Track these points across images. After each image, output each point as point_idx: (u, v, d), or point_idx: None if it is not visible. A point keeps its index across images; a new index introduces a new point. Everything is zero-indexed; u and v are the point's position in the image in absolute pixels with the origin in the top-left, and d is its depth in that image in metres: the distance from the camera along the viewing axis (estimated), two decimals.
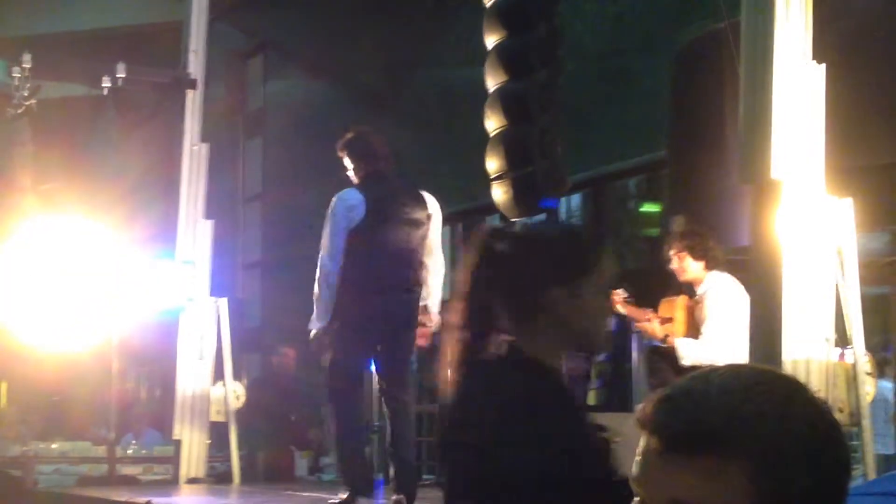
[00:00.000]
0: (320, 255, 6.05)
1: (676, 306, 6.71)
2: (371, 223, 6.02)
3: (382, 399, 6.15)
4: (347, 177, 6.34)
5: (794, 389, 1.29)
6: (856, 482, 1.92)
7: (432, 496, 6.73)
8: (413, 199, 6.23)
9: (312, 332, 6.06)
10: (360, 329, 6.03)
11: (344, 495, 6.07)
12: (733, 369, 1.32)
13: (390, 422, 6.10)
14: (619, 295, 6.71)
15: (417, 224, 6.18)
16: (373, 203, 6.04)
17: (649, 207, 6.69)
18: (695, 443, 1.25)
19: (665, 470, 1.26)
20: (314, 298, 6.06)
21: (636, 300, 6.83)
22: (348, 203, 6.04)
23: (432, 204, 6.28)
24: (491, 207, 8.03)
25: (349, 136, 6.32)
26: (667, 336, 6.59)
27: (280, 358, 10.27)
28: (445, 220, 13.22)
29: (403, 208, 6.15)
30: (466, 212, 12.83)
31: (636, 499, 1.30)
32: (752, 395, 1.27)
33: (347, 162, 6.29)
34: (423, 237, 6.21)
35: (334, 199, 6.09)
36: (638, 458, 1.29)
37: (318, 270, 6.04)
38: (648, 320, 6.64)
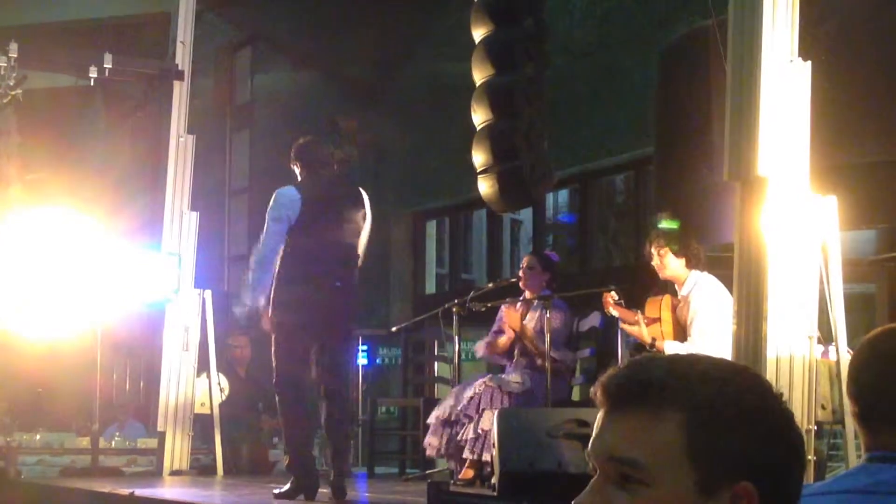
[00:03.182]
0: (257, 244, 6.35)
1: (662, 306, 6.71)
2: (308, 220, 6.32)
3: (321, 386, 6.37)
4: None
5: (751, 377, 1.28)
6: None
7: (415, 489, 6.74)
8: (351, 199, 6.57)
9: (246, 310, 6.36)
10: (297, 328, 6.30)
11: (286, 486, 6.36)
12: (698, 355, 1.32)
13: (326, 406, 6.32)
14: (612, 297, 6.72)
15: (354, 222, 6.50)
16: (310, 201, 6.35)
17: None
18: (633, 393, 1.25)
19: (608, 429, 1.26)
20: (247, 281, 6.33)
21: (624, 299, 6.83)
22: (288, 195, 6.37)
23: (367, 203, 6.60)
24: (479, 202, 8.03)
25: (297, 142, 6.67)
26: (654, 340, 6.59)
27: (231, 351, 10.11)
28: (433, 214, 13.30)
29: (341, 208, 6.48)
30: (454, 206, 12.83)
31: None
32: (701, 364, 1.28)
33: (294, 166, 6.65)
34: (358, 234, 6.55)
35: (275, 194, 6.41)
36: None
37: (252, 255, 6.38)
38: (637, 322, 6.63)
